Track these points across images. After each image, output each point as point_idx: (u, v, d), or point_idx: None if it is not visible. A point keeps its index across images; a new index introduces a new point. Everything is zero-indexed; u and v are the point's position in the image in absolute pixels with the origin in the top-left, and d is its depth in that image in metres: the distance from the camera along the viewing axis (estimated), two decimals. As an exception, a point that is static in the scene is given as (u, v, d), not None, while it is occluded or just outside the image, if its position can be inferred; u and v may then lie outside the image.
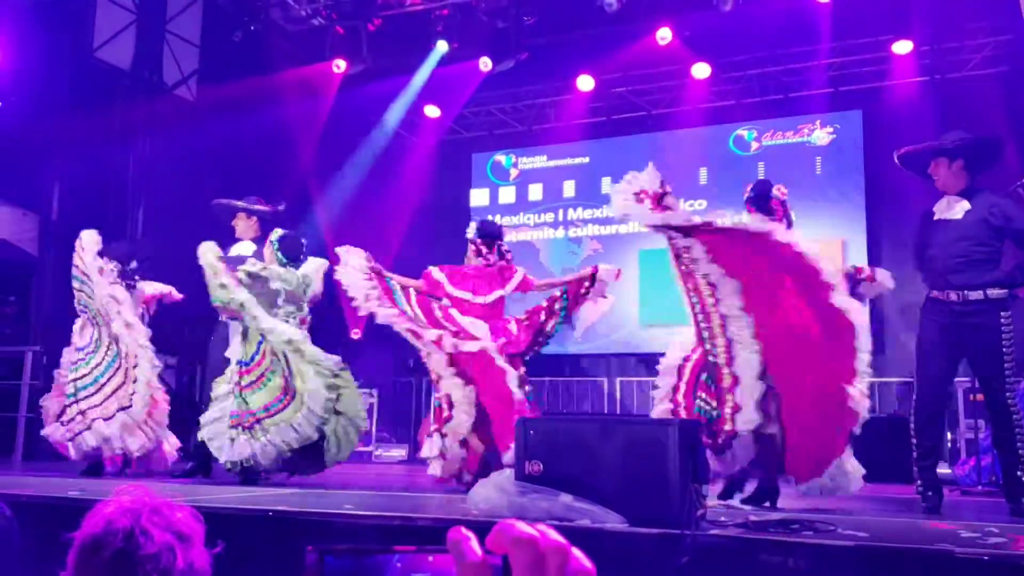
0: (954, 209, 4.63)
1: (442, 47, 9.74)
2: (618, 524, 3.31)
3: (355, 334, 11.29)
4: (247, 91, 9.76)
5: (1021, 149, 8.54)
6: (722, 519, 3.62)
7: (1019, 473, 4.40)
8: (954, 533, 3.42)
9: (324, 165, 11.10)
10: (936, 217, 4.72)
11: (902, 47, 9.64)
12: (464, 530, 0.78)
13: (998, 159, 4.75)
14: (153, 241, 9.69)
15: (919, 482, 4.61)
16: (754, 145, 10.65)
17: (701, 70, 10.27)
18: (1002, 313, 4.48)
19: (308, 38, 10.17)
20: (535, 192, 11.57)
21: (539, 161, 11.63)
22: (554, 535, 0.78)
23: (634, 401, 10.26)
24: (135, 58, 9.66)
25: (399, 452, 10.04)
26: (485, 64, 9.96)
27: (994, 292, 4.48)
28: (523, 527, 0.78)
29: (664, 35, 9.49)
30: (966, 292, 4.49)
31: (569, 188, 11.38)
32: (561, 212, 11.37)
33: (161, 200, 9.72)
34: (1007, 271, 4.54)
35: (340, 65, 10.12)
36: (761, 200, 4.97)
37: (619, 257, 10.90)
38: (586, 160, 11.38)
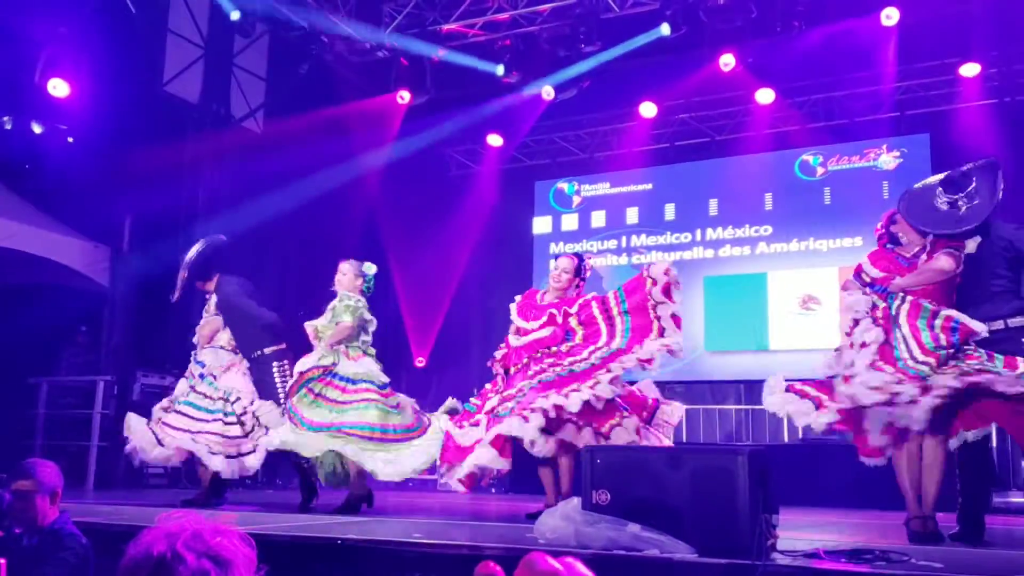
0: (968, 244, 4.60)
1: (499, 71, 9.81)
2: (687, 554, 3.26)
3: (419, 362, 11.37)
4: (313, 123, 9.95)
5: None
6: (792, 549, 3.54)
7: None
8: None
9: (389, 195, 11.25)
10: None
11: (970, 70, 9.48)
12: (493, 564, 0.77)
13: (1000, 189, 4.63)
14: (220, 270, 9.89)
15: (958, 512, 4.48)
16: (820, 170, 10.52)
17: (765, 95, 10.20)
18: (1023, 341, 4.42)
19: (373, 70, 10.34)
20: (598, 219, 11.56)
21: (602, 188, 11.63)
22: (581, 568, 0.76)
23: (701, 428, 10.13)
24: (203, 92, 9.90)
25: (463, 481, 10.02)
26: (548, 93, 10.02)
27: (1015, 321, 4.44)
28: (551, 561, 0.76)
29: (727, 61, 9.47)
30: (988, 324, 4.43)
31: (632, 215, 11.35)
32: (624, 239, 11.33)
33: (229, 232, 9.88)
34: None
35: (404, 96, 10.27)
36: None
37: (684, 284, 10.78)
38: (649, 187, 11.35)
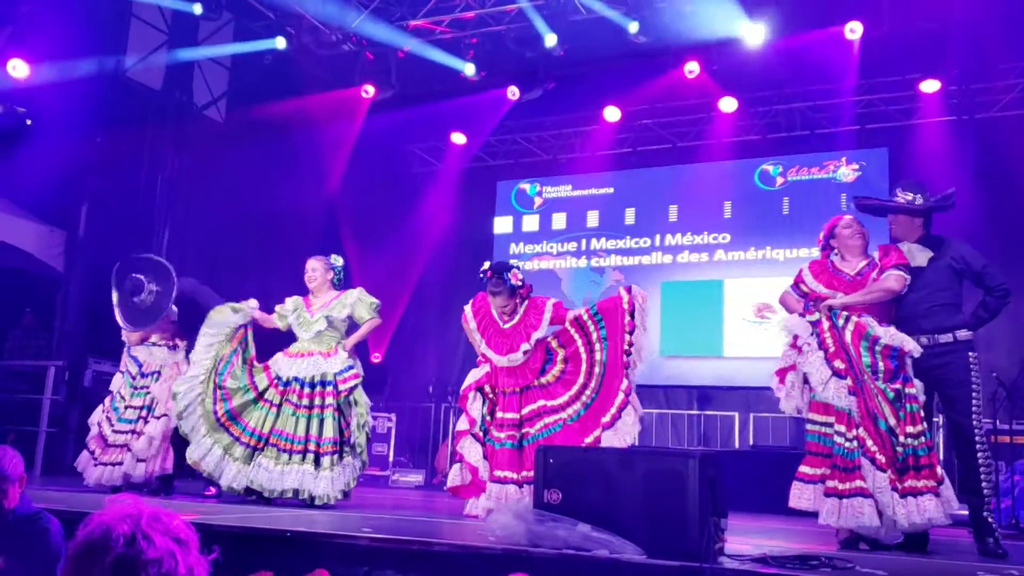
0: (918, 258, 4.76)
1: (470, 70, 9.80)
2: (636, 555, 3.28)
3: (375, 358, 11.33)
4: (276, 114, 9.88)
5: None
6: (740, 553, 3.59)
7: (985, 513, 4.47)
8: (972, 574, 3.38)
9: (350, 189, 11.20)
10: None
11: (930, 86, 9.62)
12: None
13: (951, 210, 4.87)
14: (178, 260, 9.79)
15: None
16: (779, 180, 10.64)
17: (728, 104, 10.29)
18: (970, 354, 4.62)
19: (338, 63, 10.27)
20: (559, 221, 11.59)
21: (564, 190, 11.67)
22: None
23: (653, 432, 10.20)
24: (166, 79, 9.81)
25: (416, 477, 10.01)
26: (513, 93, 10.03)
27: (962, 334, 4.63)
28: None
29: (692, 68, 9.54)
30: (936, 336, 4.61)
31: (593, 218, 11.40)
32: (584, 242, 11.38)
33: (188, 220, 9.82)
34: (970, 313, 4.73)
35: (369, 91, 10.23)
36: None
37: (641, 288, 10.89)
38: (610, 191, 11.41)
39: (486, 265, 5.68)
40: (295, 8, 9.58)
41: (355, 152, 10.98)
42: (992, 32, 8.58)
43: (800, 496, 4.57)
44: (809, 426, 4.64)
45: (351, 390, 5.95)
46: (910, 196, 4.80)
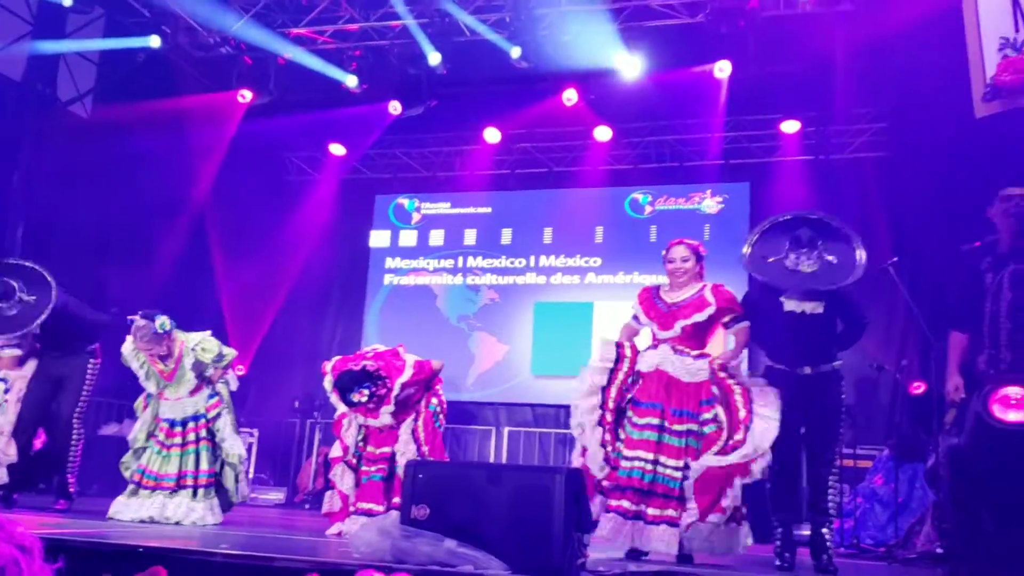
0: (814, 303, 4.92)
1: (351, 81, 9.73)
2: (500, 571, 3.32)
3: (239, 371, 11.03)
4: (146, 113, 9.55)
5: (891, 230, 9.09)
6: (601, 569, 3.67)
7: (825, 531, 4.74)
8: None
9: (221, 194, 10.89)
10: (792, 310, 4.95)
11: (790, 126, 10.10)
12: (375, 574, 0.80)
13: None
14: (33, 259, 9.32)
15: (777, 543, 4.81)
16: (648, 209, 10.95)
17: (603, 133, 10.55)
18: (841, 382, 4.94)
19: (214, 66, 10.01)
20: (436, 238, 11.59)
21: (442, 208, 11.68)
22: None
23: (521, 451, 10.29)
24: (28, 70, 9.37)
25: (277, 495, 9.77)
26: (395, 108, 10.00)
27: (836, 364, 4.94)
28: None
29: (570, 96, 9.75)
30: (820, 366, 4.88)
31: (470, 236, 11.45)
32: (461, 259, 11.41)
33: (44, 217, 9.37)
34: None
35: (246, 95, 9.99)
36: None
37: (515, 308, 11.02)
38: (488, 210, 11.49)
39: None
40: (172, 7, 9.31)
41: (228, 157, 10.67)
42: (848, 80, 9.07)
43: (606, 526, 4.60)
44: (624, 463, 4.67)
45: (216, 417, 5.95)
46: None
